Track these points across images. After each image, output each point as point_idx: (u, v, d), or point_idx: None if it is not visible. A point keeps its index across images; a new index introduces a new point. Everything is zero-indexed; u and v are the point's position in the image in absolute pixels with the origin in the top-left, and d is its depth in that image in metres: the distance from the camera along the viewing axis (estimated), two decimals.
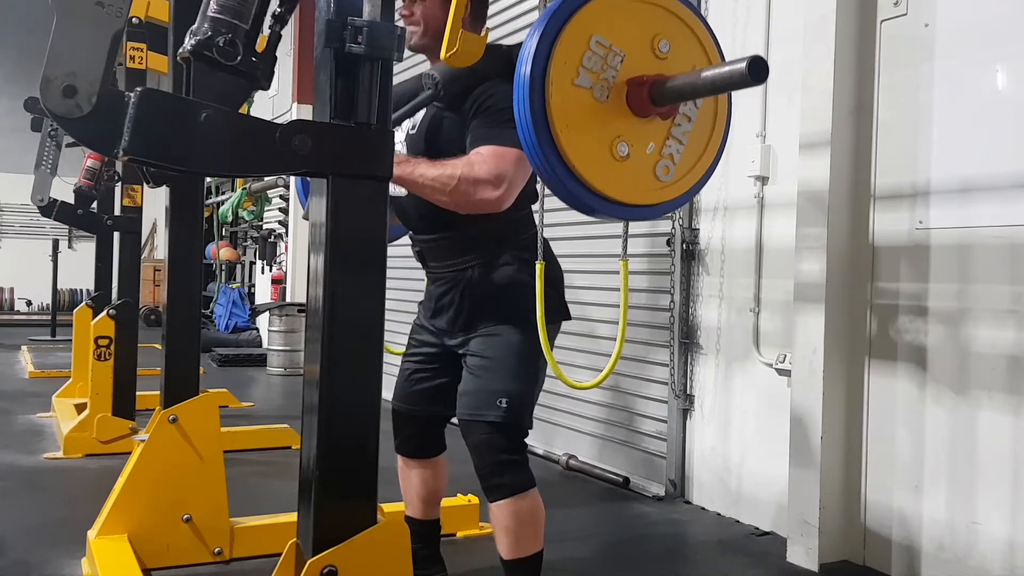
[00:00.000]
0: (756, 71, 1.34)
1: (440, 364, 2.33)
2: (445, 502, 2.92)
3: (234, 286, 10.61)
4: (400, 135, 2.27)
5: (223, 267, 10.70)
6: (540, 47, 1.46)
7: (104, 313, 4.50)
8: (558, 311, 2.24)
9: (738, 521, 3.38)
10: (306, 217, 1.81)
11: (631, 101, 1.52)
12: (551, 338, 2.18)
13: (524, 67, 1.47)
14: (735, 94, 3.48)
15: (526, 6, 4.73)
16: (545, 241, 2.14)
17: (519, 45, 2.08)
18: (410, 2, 2.21)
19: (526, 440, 2.16)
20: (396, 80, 1.61)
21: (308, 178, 2.13)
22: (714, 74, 1.45)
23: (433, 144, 2.14)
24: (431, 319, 2.33)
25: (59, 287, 10.88)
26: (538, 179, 1.91)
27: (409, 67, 5.97)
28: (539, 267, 1.97)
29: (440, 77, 2.05)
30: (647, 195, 1.60)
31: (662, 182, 1.60)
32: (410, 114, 2.15)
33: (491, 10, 5.19)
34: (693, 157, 1.64)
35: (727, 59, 3.48)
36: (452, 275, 2.24)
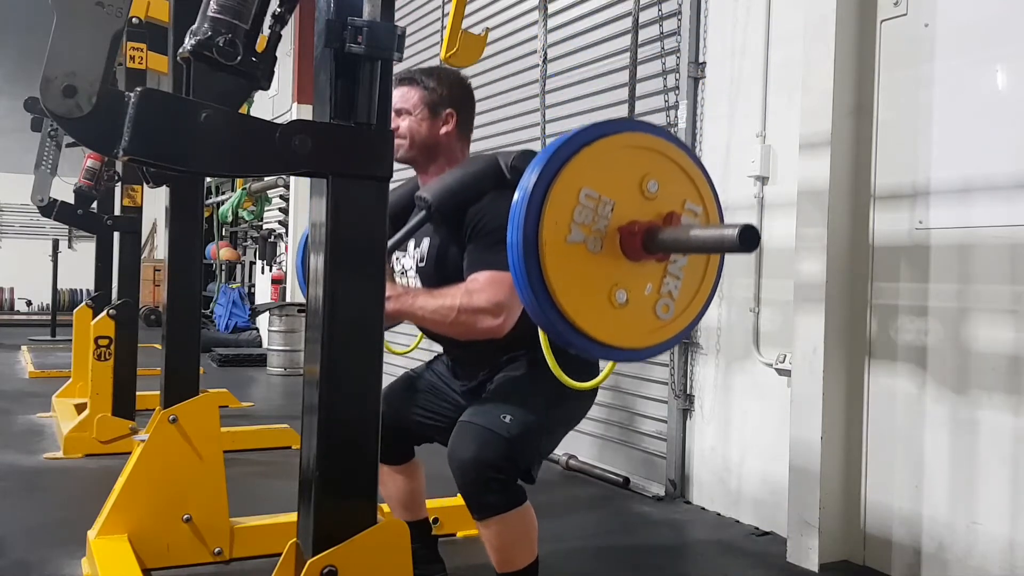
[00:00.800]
0: (747, 240, 1.35)
1: (451, 404, 2.32)
2: (445, 503, 2.94)
3: (234, 286, 10.62)
4: (408, 262, 2.27)
5: (223, 267, 10.70)
6: (530, 211, 1.45)
7: (104, 313, 4.50)
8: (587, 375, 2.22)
9: (738, 521, 3.38)
10: None
11: (625, 248, 1.52)
12: (581, 414, 2.23)
13: (515, 233, 1.46)
14: (735, 94, 3.49)
15: (526, 6, 4.74)
16: None
17: (510, 154, 2.10)
18: (395, 116, 2.20)
19: (520, 465, 2.02)
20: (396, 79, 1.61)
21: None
22: (705, 236, 1.47)
23: (444, 277, 2.12)
24: (452, 379, 2.36)
25: (59, 287, 10.88)
26: None
27: (408, 66, 5.98)
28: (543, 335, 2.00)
29: (432, 198, 2.06)
30: (650, 336, 1.60)
31: (663, 320, 1.59)
32: (408, 238, 2.15)
33: (491, 10, 5.21)
34: (692, 289, 1.64)
35: (727, 59, 3.48)
36: (473, 375, 2.28)
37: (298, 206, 8.56)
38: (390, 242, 1.95)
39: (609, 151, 1.52)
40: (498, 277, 1.97)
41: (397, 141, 2.23)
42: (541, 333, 2.00)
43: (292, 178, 8.27)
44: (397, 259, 2.32)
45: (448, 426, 2.14)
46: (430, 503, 2.72)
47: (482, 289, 1.98)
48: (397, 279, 2.30)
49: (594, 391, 2.26)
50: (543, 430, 2.10)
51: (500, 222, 1.63)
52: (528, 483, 2.06)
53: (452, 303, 1.98)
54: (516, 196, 1.47)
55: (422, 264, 2.22)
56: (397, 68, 1.60)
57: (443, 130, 2.23)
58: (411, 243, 2.26)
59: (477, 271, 2.02)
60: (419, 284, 2.23)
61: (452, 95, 2.25)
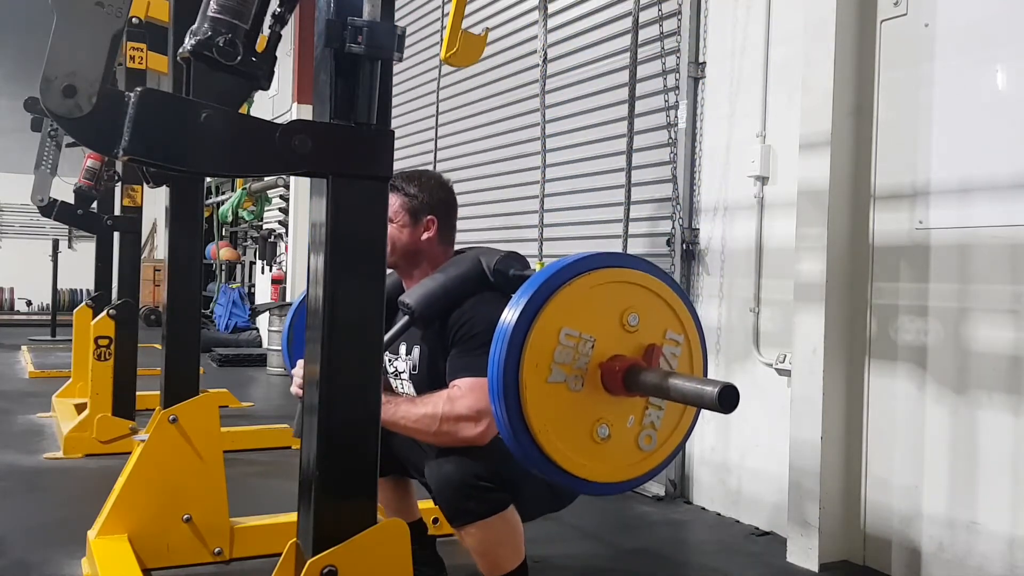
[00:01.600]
0: (726, 401, 1.35)
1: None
2: None
3: (234, 286, 10.61)
4: (401, 365, 2.27)
5: (223, 267, 10.70)
6: (510, 355, 1.45)
7: (104, 313, 4.50)
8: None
9: (738, 521, 3.38)
10: (297, 434, 1.74)
11: (606, 385, 1.52)
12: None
13: (495, 375, 1.46)
14: (735, 94, 3.49)
15: (526, 6, 4.74)
16: None
17: (494, 255, 2.11)
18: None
19: (501, 477, 2.00)
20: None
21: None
22: (685, 390, 1.45)
23: (437, 383, 2.11)
24: None
25: (59, 287, 10.86)
26: None
27: (408, 66, 5.98)
28: (539, 266, 1.98)
29: (415, 304, 2.06)
30: (633, 469, 1.59)
31: (645, 452, 1.59)
32: (393, 342, 2.15)
33: (491, 10, 5.21)
34: (674, 418, 1.63)
35: (727, 59, 3.48)
36: None
37: (298, 206, 8.56)
38: None
39: (589, 288, 1.52)
40: (479, 384, 1.95)
41: None
42: None
43: (292, 178, 8.27)
44: (390, 361, 2.31)
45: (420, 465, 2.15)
46: (429, 504, 2.72)
47: (463, 395, 1.98)
48: (391, 380, 2.31)
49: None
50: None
51: (482, 327, 1.63)
52: (506, 479, 2.03)
53: (435, 411, 1.98)
54: (495, 338, 1.47)
55: (415, 372, 2.23)
56: (396, 68, 1.60)
57: (424, 236, 2.24)
58: (402, 347, 2.26)
59: (459, 377, 2.02)
60: (412, 390, 2.23)
61: (433, 200, 2.25)
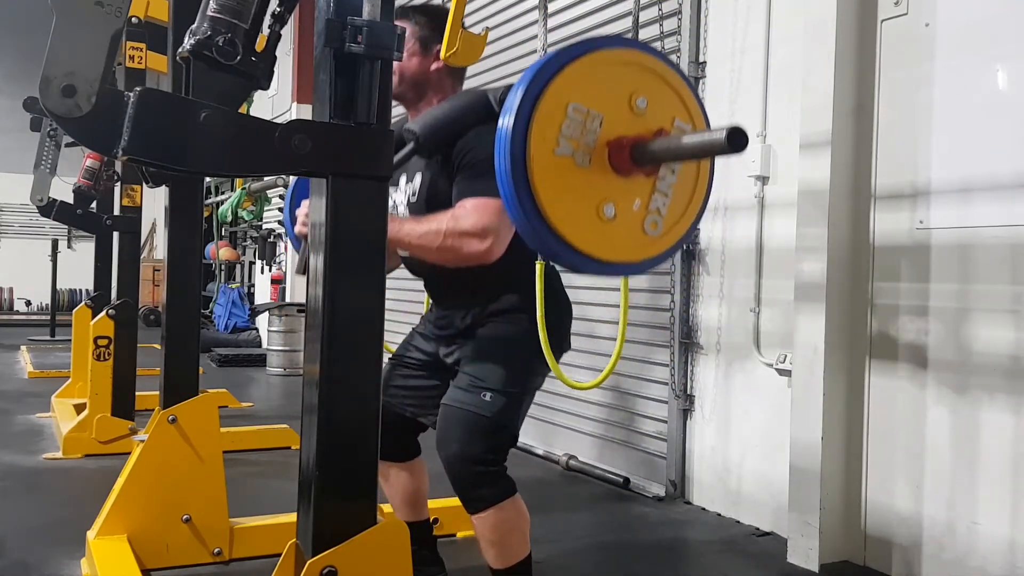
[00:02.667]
0: (735, 142, 1.35)
1: (429, 371, 2.33)
2: (445, 503, 2.93)
3: (233, 286, 10.61)
4: (400, 197, 2.27)
5: (222, 267, 10.70)
6: (517, 124, 1.45)
7: (103, 313, 4.50)
8: (558, 345, 2.23)
9: (738, 521, 3.37)
10: (300, 271, 1.79)
11: (613, 163, 1.52)
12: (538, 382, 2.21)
13: (503, 145, 1.47)
14: (736, 94, 3.49)
15: (526, 5, 4.73)
16: (557, 275, 2.19)
17: (499, 89, 2.09)
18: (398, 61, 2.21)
19: (506, 447, 2.09)
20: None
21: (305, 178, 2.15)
22: (694, 142, 1.46)
23: (435, 209, 2.12)
24: (434, 330, 2.33)
25: (58, 287, 10.87)
26: None
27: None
28: (539, 267, 1.98)
29: (420, 130, 2.05)
30: (638, 251, 1.60)
31: (651, 237, 1.60)
32: (395, 169, 2.13)
33: (491, 10, 5.21)
34: (680, 208, 1.64)
35: (727, 58, 3.48)
36: (456, 313, 2.26)
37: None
38: None
39: (597, 66, 1.52)
40: (485, 203, 1.96)
41: None
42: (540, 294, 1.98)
43: (292, 178, 8.26)
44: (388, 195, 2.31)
45: (431, 398, 2.18)
46: (429, 503, 2.72)
47: (469, 214, 1.98)
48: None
49: (567, 345, 2.28)
50: (523, 396, 2.14)
51: (487, 153, 1.63)
52: (511, 445, 2.11)
53: (439, 227, 1.98)
54: (504, 109, 1.47)
55: (413, 199, 2.22)
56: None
57: (434, 66, 2.21)
58: (403, 178, 2.26)
59: (465, 198, 2.02)
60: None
61: (443, 31, 2.19)
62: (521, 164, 1.45)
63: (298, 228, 2.10)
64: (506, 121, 1.47)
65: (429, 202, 2.15)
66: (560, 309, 2.24)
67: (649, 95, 1.57)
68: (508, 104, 1.48)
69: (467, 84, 5.49)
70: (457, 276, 2.15)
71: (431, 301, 2.40)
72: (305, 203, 1.97)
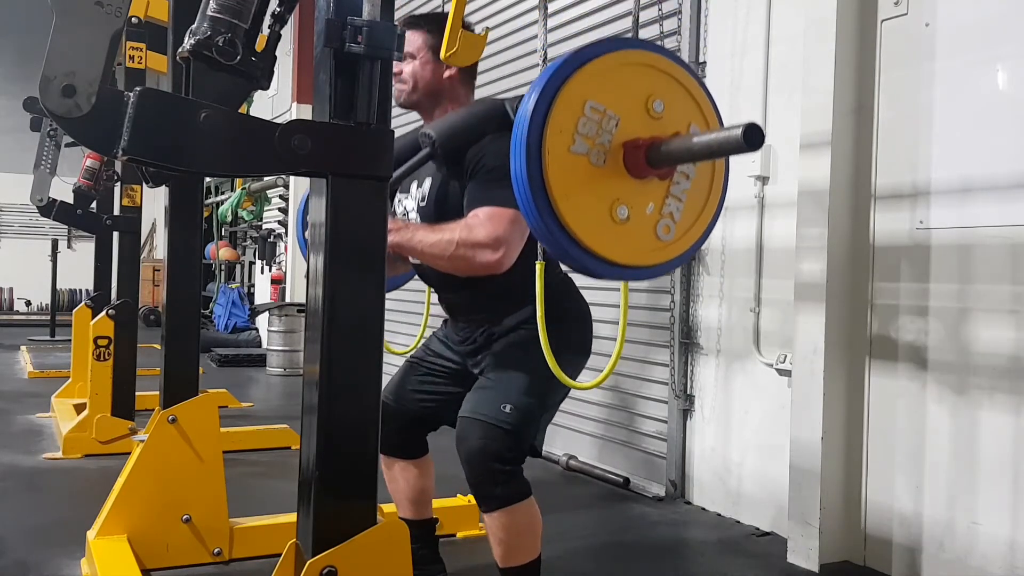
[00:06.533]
0: (751, 139, 1.35)
1: (453, 378, 2.33)
2: (445, 503, 2.93)
3: (233, 286, 10.61)
4: (410, 203, 2.27)
5: (222, 267, 10.70)
6: (535, 117, 1.45)
7: (103, 313, 4.50)
8: (581, 345, 2.25)
9: (738, 521, 3.37)
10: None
11: (628, 164, 1.52)
12: (576, 370, 2.21)
13: (519, 137, 1.46)
14: (736, 94, 3.48)
15: (526, 6, 4.73)
16: (571, 280, 2.22)
17: (516, 98, 2.08)
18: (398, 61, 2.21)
19: (525, 451, 2.09)
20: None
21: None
22: (710, 140, 1.45)
23: (444, 214, 2.12)
24: (457, 345, 2.34)
25: (58, 287, 10.87)
26: None
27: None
28: (539, 267, 1.97)
29: (436, 135, 2.05)
30: (650, 256, 1.60)
31: (663, 241, 1.59)
32: (409, 173, 2.15)
33: (491, 10, 5.21)
34: (693, 214, 1.63)
35: (727, 58, 3.48)
36: (474, 328, 2.27)
37: (297, 206, 8.55)
38: (395, 174, 1.94)
39: (616, 67, 1.52)
40: (498, 212, 1.96)
41: (399, 86, 2.23)
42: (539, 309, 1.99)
43: (292, 178, 8.27)
44: (399, 201, 2.31)
45: (452, 402, 2.17)
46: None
47: (482, 224, 1.97)
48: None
49: (586, 352, 2.28)
50: (543, 408, 2.13)
51: (502, 160, 1.63)
52: (534, 456, 2.12)
53: (451, 237, 1.98)
54: (522, 104, 1.47)
55: (423, 204, 2.22)
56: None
57: (447, 74, 2.22)
58: (413, 184, 2.26)
59: (478, 207, 2.02)
60: (419, 222, 2.22)
61: None
62: (537, 159, 1.45)
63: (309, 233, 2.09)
64: (523, 115, 1.46)
65: (439, 206, 2.15)
66: (573, 316, 2.24)
67: (666, 99, 1.57)
68: (526, 98, 1.47)
69: None
70: (470, 289, 2.16)
71: (446, 317, 2.39)
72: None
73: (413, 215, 2.26)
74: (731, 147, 1.40)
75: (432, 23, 2.25)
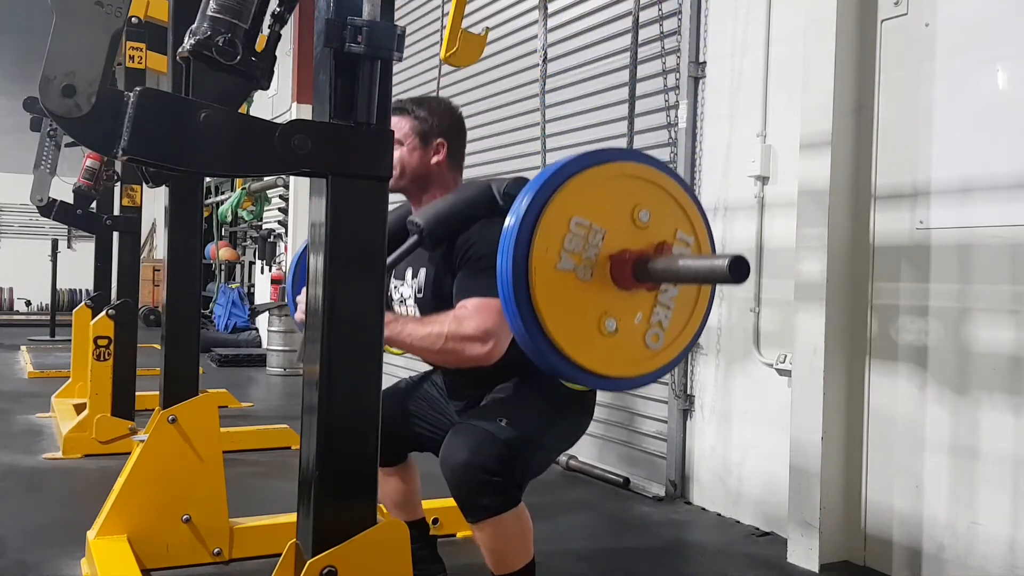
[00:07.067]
0: (737, 272, 1.33)
1: (445, 417, 2.32)
2: (445, 503, 2.93)
3: (233, 286, 10.61)
4: (407, 290, 2.27)
5: (222, 267, 10.70)
6: (520, 237, 1.45)
7: (103, 313, 4.50)
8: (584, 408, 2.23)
9: (738, 522, 3.37)
10: (301, 359, 1.77)
11: (615, 277, 1.51)
12: (574, 436, 2.21)
13: (505, 255, 1.46)
14: (736, 94, 3.49)
15: (526, 6, 4.73)
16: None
17: (503, 180, 2.10)
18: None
19: (517, 468, 1.97)
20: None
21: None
22: (697, 267, 1.44)
23: (442, 305, 2.11)
24: (446, 398, 2.35)
25: (58, 287, 10.86)
26: None
27: (408, 66, 5.98)
28: None
29: (424, 223, 2.05)
30: (638, 366, 1.59)
31: (652, 350, 1.59)
32: (399, 261, 2.15)
33: (491, 10, 5.21)
34: (682, 320, 1.62)
35: (727, 58, 3.48)
36: (465, 395, 2.28)
37: (298, 206, 8.55)
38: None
39: (601, 180, 1.52)
40: (487, 304, 1.94)
41: None
42: None
43: (292, 178, 8.27)
44: (395, 287, 2.32)
45: (443, 438, 2.11)
46: (429, 503, 2.72)
47: (470, 316, 1.96)
48: (396, 307, 2.32)
49: (590, 414, 2.26)
50: (537, 444, 2.07)
51: (491, 248, 1.62)
52: (521, 472, 2.03)
53: (440, 330, 1.96)
54: (507, 222, 1.47)
55: (420, 295, 2.22)
56: (396, 67, 1.60)
57: (434, 159, 2.23)
58: (408, 272, 2.26)
59: (466, 298, 2.01)
60: (418, 314, 2.22)
61: (442, 124, 2.24)
62: (523, 279, 1.45)
63: (298, 315, 2.08)
64: (509, 233, 1.46)
65: (437, 298, 2.15)
66: (565, 408, 2.18)
67: (652, 208, 1.56)
68: (512, 213, 1.47)
69: (467, 82, 5.50)
70: (464, 374, 2.16)
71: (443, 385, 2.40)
72: (304, 291, 1.94)
73: (411, 303, 2.26)
74: (716, 277, 1.41)
75: (418, 107, 2.25)
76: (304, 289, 1.93)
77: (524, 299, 1.46)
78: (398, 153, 2.20)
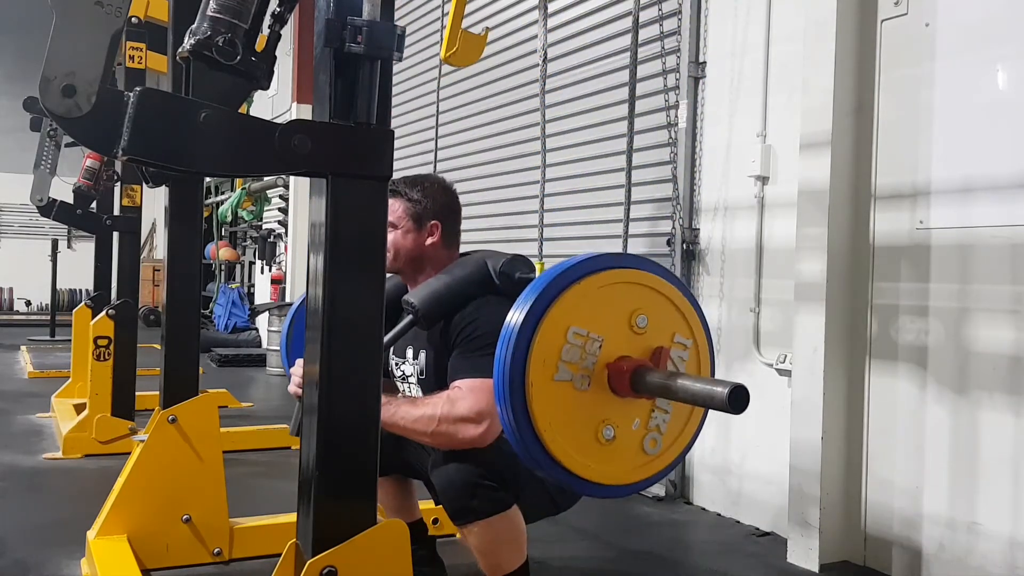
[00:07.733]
0: (736, 403, 1.33)
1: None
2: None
3: (233, 286, 10.61)
4: (408, 368, 2.27)
5: (222, 267, 10.70)
6: (517, 350, 1.44)
7: (103, 313, 4.50)
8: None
9: (738, 522, 3.37)
10: (294, 433, 1.76)
11: (613, 385, 1.51)
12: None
13: (502, 368, 1.45)
14: (736, 94, 3.49)
15: (526, 6, 4.73)
16: None
17: (499, 258, 2.10)
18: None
19: (507, 478, 1.97)
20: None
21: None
22: (695, 391, 1.42)
23: (445, 387, 2.08)
24: None
25: (58, 287, 10.86)
26: None
27: (408, 66, 5.98)
28: (539, 267, 1.97)
29: (419, 304, 2.06)
30: (636, 472, 1.58)
31: (650, 456, 1.58)
32: (396, 340, 2.15)
33: (491, 10, 5.21)
34: (680, 423, 1.61)
35: (727, 58, 3.47)
36: None
37: (298, 206, 8.56)
38: None
39: (598, 288, 1.51)
40: (480, 384, 1.93)
41: None
42: None
43: (292, 178, 8.27)
44: (396, 365, 2.31)
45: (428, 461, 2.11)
46: (429, 504, 2.72)
47: (464, 396, 1.95)
48: (398, 384, 2.31)
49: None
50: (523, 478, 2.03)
51: (485, 329, 1.60)
52: (510, 483, 2.01)
53: (433, 412, 1.95)
54: (502, 335, 1.46)
55: (423, 377, 2.22)
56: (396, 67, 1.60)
57: (428, 241, 2.23)
58: (409, 351, 2.26)
59: (460, 378, 2.00)
60: (421, 394, 2.21)
61: (436, 205, 2.24)
62: (520, 392, 1.44)
63: (292, 389, 2.06)
64: (505, 346, 1.45)
65: (439, 380, 2.13)
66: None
67: (649, 312, 1.55)
68: (508, 326, 1.46)
69: (467, 82, 5.49)
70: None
71: None
72: (300, 362, 1.92)
73: (413, 381, 2.26)
74: (714, 405, 1.39)
75: (411, 188, 2.24)
76: (300, 360, 1.87)
77: (521, 412, 1.45)
78: (392, 236, 2.19)
